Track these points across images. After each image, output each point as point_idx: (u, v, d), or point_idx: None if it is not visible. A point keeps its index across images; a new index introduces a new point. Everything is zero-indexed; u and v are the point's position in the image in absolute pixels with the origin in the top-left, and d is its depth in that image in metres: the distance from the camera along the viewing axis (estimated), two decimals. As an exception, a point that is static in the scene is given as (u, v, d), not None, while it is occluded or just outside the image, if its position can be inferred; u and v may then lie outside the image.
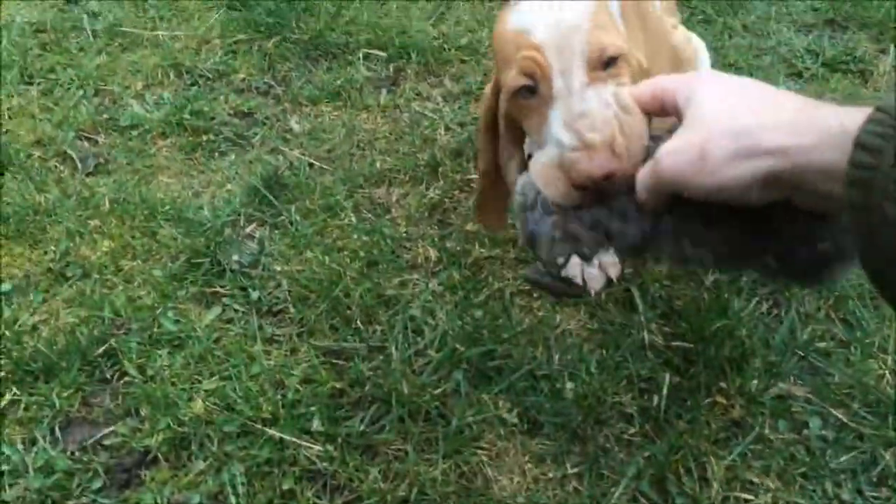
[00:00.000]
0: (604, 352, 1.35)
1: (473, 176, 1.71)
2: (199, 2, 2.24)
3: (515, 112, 0.97)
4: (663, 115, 0.78)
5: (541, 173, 0.87)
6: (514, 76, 0.92)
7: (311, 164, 1.75)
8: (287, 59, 2.06)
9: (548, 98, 0.89)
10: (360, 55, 2.07)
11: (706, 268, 0.85)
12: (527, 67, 0.90)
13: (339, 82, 1.98)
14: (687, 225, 0.73)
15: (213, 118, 1.85)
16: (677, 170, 0.66)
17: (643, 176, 0.73)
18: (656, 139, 0.80)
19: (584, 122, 0.84)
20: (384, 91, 1.97)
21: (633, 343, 1.35)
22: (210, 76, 1.99)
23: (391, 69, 2.04)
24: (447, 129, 1.85)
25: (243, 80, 2.00)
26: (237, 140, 1.81)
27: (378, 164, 1.75)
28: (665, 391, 1.25)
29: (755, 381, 1.26)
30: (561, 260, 0.83)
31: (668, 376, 1.28)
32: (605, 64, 0.89)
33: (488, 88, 1.09)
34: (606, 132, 0.82)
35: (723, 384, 1.27)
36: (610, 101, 0.85)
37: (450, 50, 2.09)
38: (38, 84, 1.92)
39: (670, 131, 0.73)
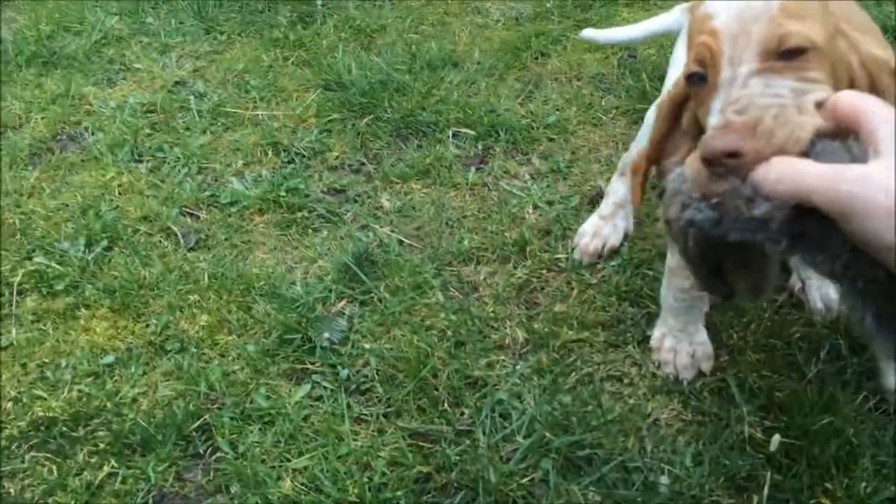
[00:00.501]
0: (700, 445, 1.30)
1: (561, 255, 1.71)
2: (298, 83, 2.34)
3: (692, 99, 0.94)
4: (849, 136, 0.69)
5: (690, 158, 0.82)
6: (687, 63, 0.90)
7: (400, 242, 1.78)
8: (379, 138, 2.12)
9: (713, 87, 0.85)
10: (450, 133, 2.11)
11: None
12: (699, 54, 0.87)
13: (428, 160, 2.02)
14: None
15: (307, 195, 1.92)
16: (864, 201, 0.57)
17: (800, 170, 0.62)
18: (826, 146, 0.70)
19: (734, 106, 0.79)
20: (473, 169, 1.99)
21: (730, 436, 1.29)
22: (306, 154, 2.07)
23: (480, 147, 2.07)
24: (535, 207, 1.86)
25: (337, 157, 2.07)
26: (330, 217, 1.86)
27: (466, 242, 1.76)
28: (766, 491, 1.19)
29: (864, 483, 1.19)
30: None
31: (769, 474, 1.21)
32: (785, 54, 0.82)
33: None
34: (753, 115, 0.76)
35: (829, 485, 1.20)
36: (781, 93, 0.78)
37: (538, 128, 2.11)
38: (147, 162, 2.03)
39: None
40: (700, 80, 0.88)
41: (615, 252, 1.68)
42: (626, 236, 1.70)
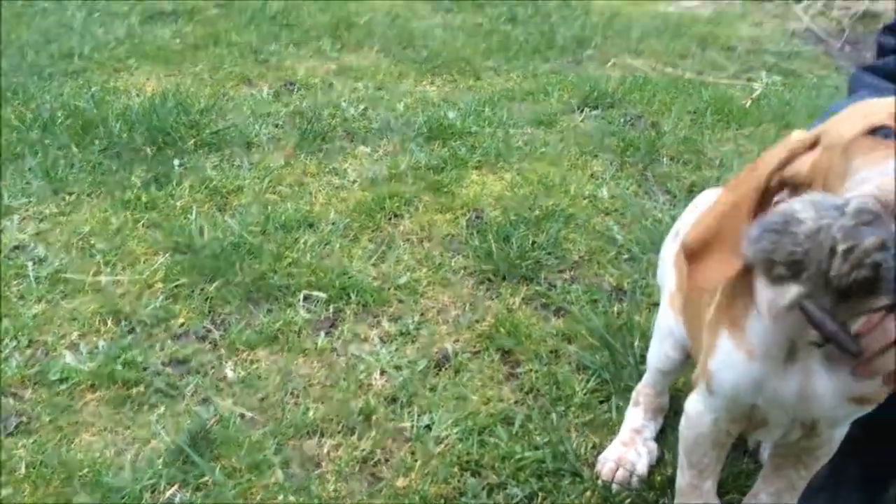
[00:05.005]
0: None
1: (406, 424, 1.70)
2: (147, 246, 2.30)
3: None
4: None
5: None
6: (875, 120, 0.92)
7: (241, 416, 1.73)
8: (228, 302, 2.09)
9: None
10: (301, 297, 2.11)
11: None
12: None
13: (277, 325, 2.00)
14: None
15: (145, 368, 1.84)
16: None
17: None
18: None
19: None
20: (322, 333, 1.99)
21: None
22: (148, 322, 2.01)
23: (331, 310, 2.08)
24: (382, 372, 1.86)
25: (182, 325, 2.01)
26: (168, 391, 1.79)
27: (311, 413, 1.73)
28: None
29: None
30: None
31: None
32: None
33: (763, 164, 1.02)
34: None
35: None
36: None
37: (388, 290, 2.15)
38: (-29, 337, 1.91)
39: None
40: (886, 137, 0.91)
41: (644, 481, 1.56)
42: (654, 460, 1.60)
